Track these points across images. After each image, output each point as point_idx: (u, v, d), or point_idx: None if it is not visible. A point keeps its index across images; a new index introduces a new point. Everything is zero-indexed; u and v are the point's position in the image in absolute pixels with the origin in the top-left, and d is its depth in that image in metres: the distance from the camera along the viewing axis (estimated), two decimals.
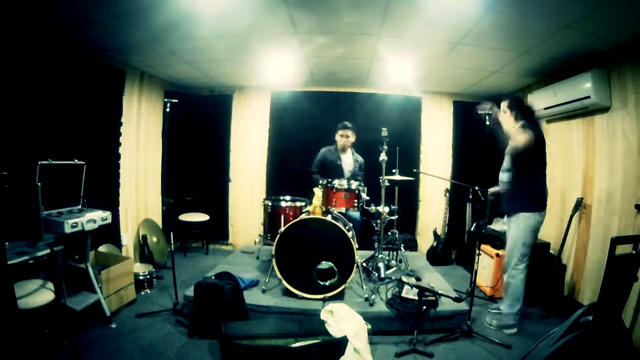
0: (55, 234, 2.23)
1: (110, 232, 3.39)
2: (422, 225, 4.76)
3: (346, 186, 2.98)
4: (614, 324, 1.74)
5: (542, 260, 3.26)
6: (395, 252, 3.77)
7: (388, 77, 3.95)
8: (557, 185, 3.45)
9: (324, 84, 4.49)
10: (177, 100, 2.80)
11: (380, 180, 3.22)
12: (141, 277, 3.18)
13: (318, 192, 3.13)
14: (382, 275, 3.10)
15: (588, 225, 2.98)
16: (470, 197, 4.12)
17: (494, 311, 2.88)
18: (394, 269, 3.41)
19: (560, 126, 3.44)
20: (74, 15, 2.42)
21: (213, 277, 2.66)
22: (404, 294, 2.66)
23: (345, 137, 3.65)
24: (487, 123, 2.71)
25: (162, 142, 4.24)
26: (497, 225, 3.61)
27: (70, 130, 2.90)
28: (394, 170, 3.44)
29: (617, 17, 2.19)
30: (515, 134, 2.52)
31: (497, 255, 3.30)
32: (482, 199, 3.08)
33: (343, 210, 3.00)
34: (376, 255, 3.33)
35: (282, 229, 2.73)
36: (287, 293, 2.75)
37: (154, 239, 4.03)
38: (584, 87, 2.78)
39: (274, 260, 2.72)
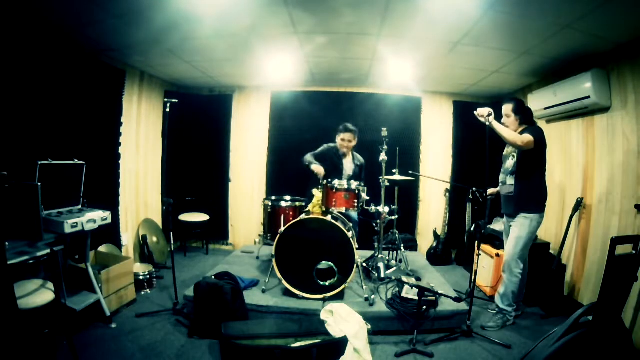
0: (55, 234, 2.24)
1: (110, 232, 3.39)
2: (422, 225, 4.76)
3: (346, 186, 2.98)
4: (614, 324, 1.74)
5: (542, 260, 3.26)
6: (395, 252, 3.77)
7: (388, 77, 3.95)
8: (557, 185, 3.45)
9: (324, 84, 4.49)
10: (177, 100, 2.80)
11: (380, 180, 3.22)
12: (141, 277, 3.19)
13: (317, 194, 3.12)
14: (382, 275, 3.10)
15: (588, 225, 2.98)
16: (470, 197, 4.12)
17: (493, 312, 2.89)
18: (394, 269, 3.41)
19: (560, 126, 3.44)
20: (74, 15, 2.42)
21: (213, 277, 2.66)
22: (404, 294, 2.66)
23: (347, 141, 3.47)
24: (487, 124, 2.71)
25: (162, 142, 4.24)
26: (497, 225, 3.61)
27: (70, 130, 2.90)
28: (394, 170, 3.44)
29: (617, 17, 2.19)
30: (519, 137, 2.51)
31: (497, 255, 3.30)
32: (482, 199, 3.08)
33: (343, 210, 3.00)
34: (376, 255, 3.33)
35: (282, 229, 2.73)
36: (287, 293, 2.75)
37: (154, 239, 4.03)
38: (584, 87, 2.78)
39: (274, 260, 2.72)
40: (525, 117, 2.70)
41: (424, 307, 2.54)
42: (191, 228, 4.45)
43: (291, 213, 3.19)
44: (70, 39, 2.80)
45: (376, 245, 3.38)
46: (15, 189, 2.06)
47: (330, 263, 2.67)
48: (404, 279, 2.76)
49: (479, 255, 2.69)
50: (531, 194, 2.65)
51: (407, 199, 4.57)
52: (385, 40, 2.85)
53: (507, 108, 2.72)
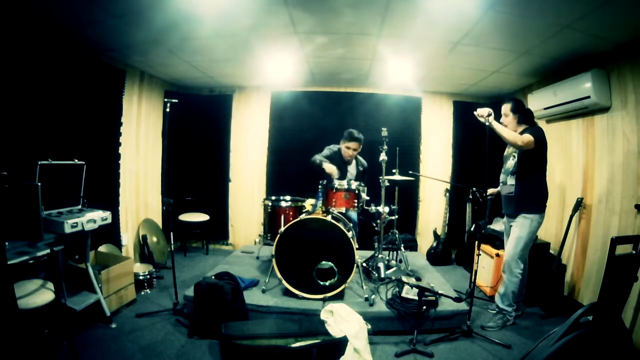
0: (55, 234, 2.23)
1: (110, 232, 3.39)
2: (422, 225, 4.76)
3: (346, 186, 2.98)
4: (614, 324, 1.74)
5: (542, 260, 3.26)
6: (395, 252, 3.77)
7: (388, 77, 3.95)
8: (557, 185, 3.45)
9: (324, 84, 4.49)
10: (177, 100, 2.80)
11: (380, 180, 3.22)
12: (141, 277, 3.19)
13: (310, 202, 3.25)
14: (382, 275, 3.10)
15: (588, 225, 2.98)
16: (470, 197, 4.12)
17: (493, 312, 2.89)
18: (394, 269, 3.41)
19: (560, 126, 3.44)
20: (74, 15, 2.42)
21: (213, 277, 2.66)
22: (404, 294, 2.66)
23: (352, 149, 3.34)
24: (487, 124, 2.71)
25: (162, 142, 4.24)
26: (497, 225, 3.61)
27: (70, 130, 2.90)
28: (393, 170, 3.44)
29: (617, 17, 2.19)
30: (519, 137, 2.51)
31: (497, 255, 3.30)
32: (482, 199, 3.08)
33: (343, 210, 3.00)
34: (376, 255, 3.33)
35: (282, 229, 2.73)
36: (287, 293, 2.75)
37: (154, 239, 4.03)
38: (584, 87, 2.78)
39: (274, 260, 2.72)
40: (524, 117, 2.70)
41: (424, 307, 2.54)
42: (191, 228, 4.45)
43: (291, 213, 3.19)
44: (71, 39, 2.80)
45: (376, 245, 3.38)
46: (15, 189, 2.06)
47: (330, 263, 2.67)
48: (404, 279, 2.76)
49: (479, 255, 2.69)
50: (531, 194, 2.65)
51: (407, 199, 4.57)
52: (385, 40, 2.85)
53: (505, 107, 2.72)
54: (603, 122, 2.87)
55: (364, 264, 3.30)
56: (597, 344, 1.66)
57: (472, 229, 4.15)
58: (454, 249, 4.58)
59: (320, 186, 3.15)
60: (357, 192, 3.01)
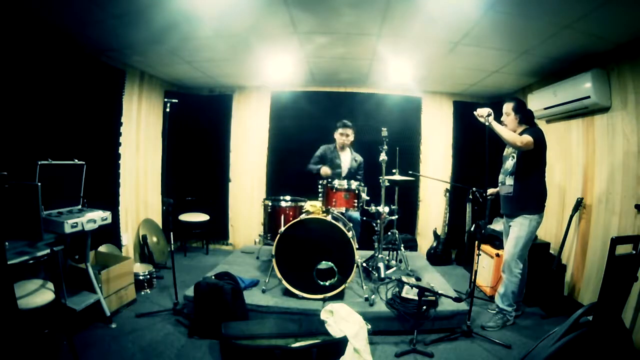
0: (55, 234, 2.23)
1: (110, 232, 3.39)
2: (422, 225, 4.76)
3: (346, 186, 2.98)
4: (614, 324, 1.74)
5: (542, 260, 3.26)
6: (395, 252, 3.77)
7: (388, 77, 3.95)
8: (557, 185, 3.45)
9: (324, 84, 4.49)
10: (177, 100, 2.80)
11: (380, 180, 3.22)
12: (141, 277, 3.18)
13: (310, 203, 3.34)
14: (382, 275, 3.10)
15: (588, 225, 2.98)
16: (470, 197, 4.12)
17: (493, 311, 2.89)
18: (394, 269, 3.41)
19: (560, 126, 3.44)
20: (74, 15, 2.42)
21: (213, 277, 2.66)
22: (404, 294, 2.66)
23: (345, 135, 3.66)
24: (487, 124, 2.71)
25: (162, 142, 4.24)
26: (497, 225, 3.61)
27: (70, 130, 2.90)
28: (394, 170, 3.44)
29: (617, 18, 2.19)
30: (519, 137, 2.51)
31: (497, 255, 3.30)
32: (482, 199, 3.08)
33: (343, 210, 3.00)
34: (376, 255, 3.33)
35: (282, 229, 2.73)
36: (287, 293, 2.75)
37: (154, 239, 4.03)
38: (584, 87, 2.78)
39: (273, 260, 2.72)
40: (525, 117, 2.70)
41: (424, 307, 2.54)
42: (191, 228, 4.45)
43: (291, 213, 3.19)
44: (71, 39, 2.80)
45: (376, 245, 3.38)
46: (15, 189, 2.06)
47: (330, 263, 2.67)
48: (404, 279, 2.76)
49: (479, 255, 2.69)
50: (530, 195, 2.65)
51: (407, 199, 4.57)
52: (385, 40, 2.85)
53: (507, 106, 2.72)
54: (603, 122, 2.87)
55: (364, 264, 3.30)
56: (597, 344, 1.66)
57: (472, 229, 4.15)
58: (454, 249, 4.58)
59: (320, 186, 3.15)
60: (357, 192, 3.01)
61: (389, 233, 3.72)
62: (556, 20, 2.29)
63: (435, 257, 4.33)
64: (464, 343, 2.51)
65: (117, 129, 3.54)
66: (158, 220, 4.35)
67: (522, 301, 2.94)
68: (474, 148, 4.49)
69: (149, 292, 3.23)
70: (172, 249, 2.83)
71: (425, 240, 4.72)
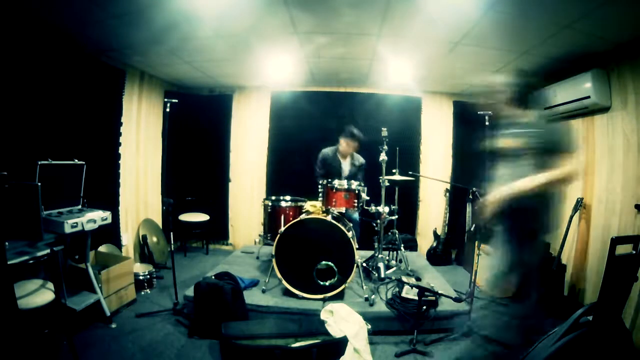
0: (55, 234, 2.23)
1: (110, 232, 3.39)
2: (422, 225, 4.76)
3: (346, 186, 2.98)
4: (614, 324, 1.74)
5: (542, 260, 3.26)
6: (395, 252, 3.77)
7: (388, 77, 3.95)
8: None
9: (324, 84, 4.49)
10: (177, 100, 2.80)
11: (380, 180, 3.22)
12: (141, 277, 3.18)
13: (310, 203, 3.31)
14: (382, 275, 3.10)
15: (588, 225, 2.98)
16: (470, 197, 4.12)
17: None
18: (394, 269, 3.41)
19: None
20: (74, 15, 2.42)
21: (213, 277, 2.66)
22: (404, 294, 2.66)
23: (350, 146, 3.55)
24: (487, 124, 2.71)
25: (162, 142, 4.23)
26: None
27: (70, 130, 2.90)
28: (394, 171, 3.44)
29: (617, 17, 2.19)
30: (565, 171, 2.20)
31: None
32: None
33: (343, 210, 3.00)
34: (376, 255, 3.33)
35: (282, 229, 2.73)
36: (287, 293, 2.75)
37: (154, 239, 4.03)
38: (584, 87, 2.78)
39: (273, 260, 2.72)
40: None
41: (424, 307, 2.54)
42: (191, 228, 4.45)
43: (291, 213, 3.19)
44: (71, 39, 2.80)
45: (376, 245, 3.38)
46: (15, 189, 2.06)
47: (330, 263, 2.67)
48: (404, 279, 2.76)
49: (479, 255, 2.69)
50: None
51: (407, 199, 4.56)
52: (385, 40, 2.85)
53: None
54: (603, 122, 2.87)
55: (364, 264, 3.30)
56: (597, 344, 1.66)
57: (472, 229, 4.15)
58: (454, 249, 4.58)
59: (320, 186, 3.15)
60: (357, 192, 3.01)
61: (389, 233, 3.72)
62: (556, 20, 2.29)
63: (435, 257, 4.33)
64: (464, 343, 2.50)
65: (117, 129, 3.54)
66: (158, 220, 4.35)
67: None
68: (474, 148, 4.48)
69: (149, 292, 3.23)
70: (172, 249, 2.83)
71: (425, 240, 4.71)
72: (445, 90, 4.56)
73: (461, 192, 4.36)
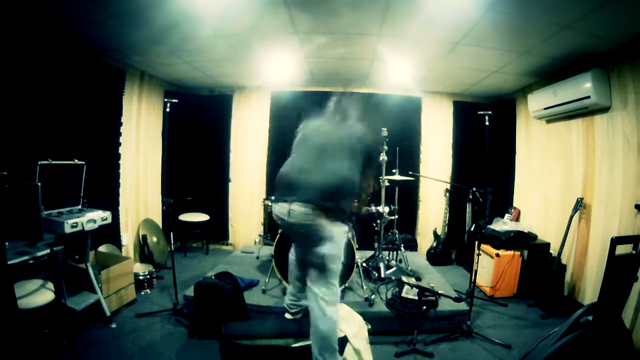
0: (55, 234, 2.24)
1: (110, 232, 3.39)
2: (422, 225, 4.76)
3: None
4: (614, 324, 1.74)
5: (542, 260, 3.26)
6: (395, 252, 3.77)
7: (388, 77, 3.95)
8: (557, 185, 3.45)
9: (324, 84, 4.49)
10: (177, 100, 2.80)
11: (380, 180, 3.22)
12: (141, 277, 3.19)
13: None
14: (382, 275, 3.11)
15: (588, 225, 2.98)
16: (470, 197, 4.13)
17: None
18: (394, 269, 3.41)
19: (560, 126, 3.44)
20: (74, 15, 2.42)
21: (213, 277, 2.66)
22: (404, 294, 2.66)
23: None
24: (487, 123, 2.71)
25: (162, 142, 4.23)
26: (497, 225, 3.61)
27: (70, 130, 2.90)
28: (394, 171, 3.44)
29: (617, 17, 2.19)
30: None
31: (497, 255, 3.30)
32: (482, 199, 3.08)
33: None
34: (376, 255, 3.33)
35: None
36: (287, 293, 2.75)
37: (154, 239, 4.03)
38: (584, 87, 2.78)
39: (273, 260, 2.72)
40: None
41: (424, 307, 2.54)
42: (191, 228, 4.45)
43: None
44: (71, 39, 2.80)
45: (376, 245, 3.38)
46: (15, 189, 2.06)
47: None
48: (404, 279, 2.76)
49: (479, 255, 2.69)
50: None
51: (407, 199, 4.57)
52: (385, 40, 2.85)
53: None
54: (603, 122, 2.87)
55: (364, 264, 3.30)
56: (597, 344, 1.67)
57: (472, 229, 4.15)
58: (454, 249, 4.58)
59: None
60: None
61: (389, 233, 3.72)
62: (556, 20, 2.29)
63: (435, 257, 4.33)
64: (464, 343, 2.51)
65: (117, 129, 3.54)
66: (158, 220, 4.35)
67: (522, 300, 2.94)
68: (474, 148, 4.49)
69: (149, 292, 3.23)
70: (172, 249, 2.83)
71: (425, 240, 4.71)
72: (445, 90, 4.56)
73: (461, 192, 4.37)
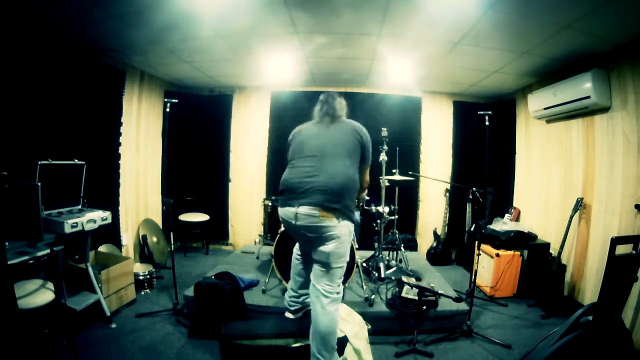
0: (55, 234, 2.24)
1: (110, 232, 3.39)
2: (422, 225, 4.76)
3: None
4: (614, 324, 1.74)
5: (542, 260, 3.26)
6: (395, 252, 3.77)
7: (388, 77, 3.95)
8: (557, 185, 3.45)
9: (324, 84, 4.49)
10: (177, 100, 2.80)
11: (380, 180, 3.22)
12: (141, 277, 3.19)
13: None
14: (382, 275, 3.10)
15: (588, 225, 2.98)
16: (470, 197, 4.12)
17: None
18: (394, 269, 3.41)
19: (560, 126, 3.44)
20: (74, 15, 2.42)
21: (213, 277, 2.66)
22: (404, 294, 2.66)
23: None
24: (487, 123, 2.71)
25: (162, 142, 4.24)
26: (497, 225, 3.61)
27: (70, 130, 2.90)
28: (394, 171, 3.44)
29: (617, 17, 2.19)
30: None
31: (497, 255, 3.30)
32: (482, 199, 3.08)
33: None
34: (376, 255, 3.33)
35: (282, 228, 2.73)
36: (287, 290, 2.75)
37: (154, 239, 4.03)
38: (584, 87, 2.78)
39: (273, 260, 2.72)
40: None
41: (424, 307, 2.54)
42: (191, 228, 4.45)
43: None
44: (71, 38, 2.80)
45: (376, 245, 3.38)
46: (15, 189, 2.06)
47: None
48: (404, 279, 2.76)
49: (479, 255, 2.69)
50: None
51: (407, 199, 4.57)
52: (385, 40, 2.85)
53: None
54: (603, 122, 2.87)
55: (364, 264, 3.30)
56: (597, 344, 1.67)
57: (472, 229, 4.15)
58: (454, 249, 4.58)
59: None
60: None
61: (389, 233, 3.72)
62: (556, 20, 2.29)
63: (435, 257, 4.33)
64: (464, 343, 2.51)
65: (117, 129, 3.54)
66: (158, 220, 4.35)
67: (522, 300, 2.94)
68: (474, 148, 4.49)
69: (149, 292, 3.23)
70: (172, 249, 2.83)
71: (425, 240, 4.71)
72: (445, 90, 4.56)
73: (461, 192, 4.37)
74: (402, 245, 3.67)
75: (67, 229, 2.22)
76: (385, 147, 3.18)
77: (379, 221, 3.30)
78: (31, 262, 2.02)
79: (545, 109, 3.30)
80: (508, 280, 3.30)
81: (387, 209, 3.26)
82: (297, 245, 2.34)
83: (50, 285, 2.09)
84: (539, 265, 3.25)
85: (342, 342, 2.15)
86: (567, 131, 3.34)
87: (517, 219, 4.04)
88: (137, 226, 4.00)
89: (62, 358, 2.09)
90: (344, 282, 2.64)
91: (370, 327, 2.33)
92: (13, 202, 2.04)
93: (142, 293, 3.17)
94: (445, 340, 2.52)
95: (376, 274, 3.13)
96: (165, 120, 3.00)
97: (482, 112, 2.75)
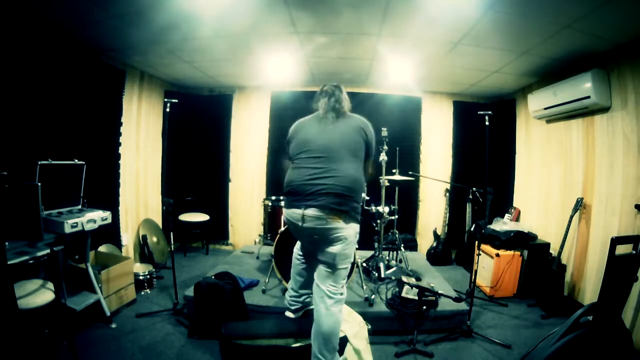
0: (55, 234, 2.24)
1: (110, 232, 3.39)
2: (422, 225, 4.76)
3: None
4: (614, 324, 1.74)
5: (542, 260, 3.27)
6: (395, 252, 3.77)
7: (388, 77, 3.95)
8: (557, 185, 3.45)
9: (324, 83, 4.48)
10: (177, 100, 2.80)
11: (380, 180, 3.22)
12: (141, 277, 3.19)
13: None
14: (382, 275, 3.10)
15: (588, 225, 2.98)
16: (470, 197, 4.13)
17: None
18: (394, 269, 3.41)
19: (560, 126, 3.44)
20: (74, 15, 2.42)
21: (213, 277, 2.66)
22: (404, 294, 2.66)
23: None
24: (487, 123, 2.71)
25: (162, 142, 4.24)
26: (497, 225, 3.61)
27: (70, 130, 2.90)
28: (394, 171, 3.45)
29: (617, 17, 2.19)
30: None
31: (497, 255, 3.30)
32: (482, 199, 3.08)
33: None
34: (376, 255, 3.33)
35: (282, 229, 2.73)
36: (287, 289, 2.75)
37: (154, 239, 4.03)
38: (584, 87, 2.78)
39: (273, 260, 2.72)
40: None
41: (424, 307, 2.54)
42: (191, 228, 4.45)
43: None
44: (71, 38, 2.80)
45: (376, 245, 3.38)
46: (15, 189, 2.06)
47: None
48: (404, 279, 2.76)
49: (479, 255, 2.69)
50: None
51: (407, 199, 4.57)
52: (385, 40, 2.85)
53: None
54: (603, 122, 2.87)
55: (364, 264, 3.30)
56: (597, 344, 1.67)
57: (472, 229, 4.15)
58: (454, 249, 4.58)
59: None
60: None
61: (389, 233, 3.72)
62: (556, 20, 2.29)
63: (435, 257, 4.33)
64: (464, 343, 2.51)
65: (117, 129, 3.54)
66: (158, 220, 4.35)
67: (522, 300, 2.94)
68: (474, 148, 4.49)
69: (149, 292, 3.23)
70: (172, 249, 2.83)
71: (425, 240, 4.71)
72: (445, 90, 4.56)
73: (461, 192, 4.37)
74: (402, 245, 3.67)
75: (67, 229, 2.22)
76: (385, 147, 3.18)
77: (379, 221, 3.30)
78: (31, 262, 2.02)
79: (545, 109, 3.30)
80: (508, 280, 3.30)
81: (387, 209, 3.26)
82: (297, 245, 2.34)
83: (50, 285, 2.09)
84: (539, 265, 3.25)
85: (342, 342, 2.15)
86: (567, 131, 3.34)
87: (517, 219, 4.04)
88: (137, 226, 4.00)
89: (62, 358, 2.09)
90: None
91: (370, 327, 2.33)
92: (13, 202, 2.04)
93: (142, 293, 3.17)
94: (445, 340, 2.52)
95: (376, 274, 3.13)
96: (165, 120, 3.00)
97: (482, 112, 2.75)
